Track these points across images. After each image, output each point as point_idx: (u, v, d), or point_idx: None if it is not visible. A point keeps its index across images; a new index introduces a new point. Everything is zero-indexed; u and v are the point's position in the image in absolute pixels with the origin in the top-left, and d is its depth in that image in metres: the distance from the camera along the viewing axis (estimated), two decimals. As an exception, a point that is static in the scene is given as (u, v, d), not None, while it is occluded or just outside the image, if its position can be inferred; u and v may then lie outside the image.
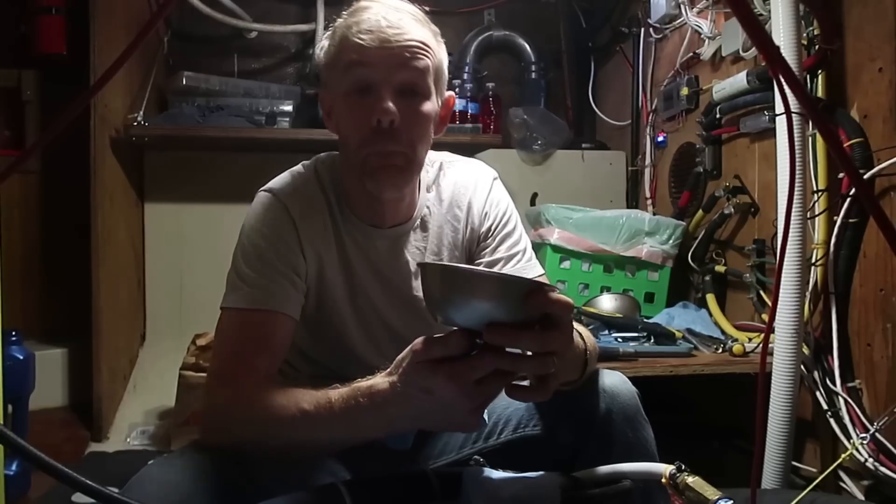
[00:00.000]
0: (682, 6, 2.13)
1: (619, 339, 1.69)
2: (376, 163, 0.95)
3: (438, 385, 0.69)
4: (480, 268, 0.68)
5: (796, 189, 1.42)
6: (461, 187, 1.10)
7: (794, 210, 1.44)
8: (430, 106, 0.97)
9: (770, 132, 1.74)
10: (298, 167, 1.05)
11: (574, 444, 0.94)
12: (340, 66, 0.95)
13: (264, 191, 1.02)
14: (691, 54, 2.14)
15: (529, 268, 1.09)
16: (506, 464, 0.86)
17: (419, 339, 0.71)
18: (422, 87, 0.95)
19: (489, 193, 1.11)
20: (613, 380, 0.95)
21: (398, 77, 0.93)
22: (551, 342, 0.69)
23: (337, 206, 1.02)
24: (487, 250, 1.10)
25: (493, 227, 1.10)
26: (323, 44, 1.01)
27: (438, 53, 0.98)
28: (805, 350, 1.56)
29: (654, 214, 2.27)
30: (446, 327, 0.71)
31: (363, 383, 0.76)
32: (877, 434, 1.42)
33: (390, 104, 0.92)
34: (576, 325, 0.87)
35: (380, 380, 0.75)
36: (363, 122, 0.93)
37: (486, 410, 0.80)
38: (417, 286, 1.07)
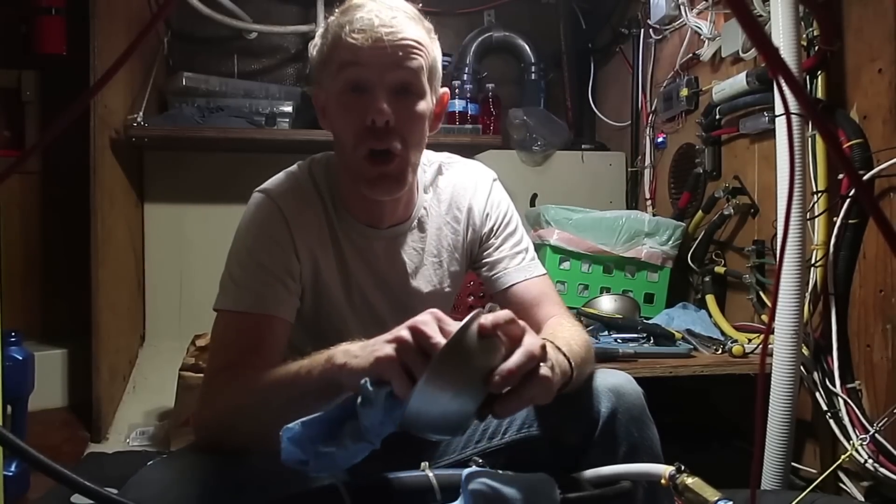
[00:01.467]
0: (681, 7, 2.13)
1: (619, 340, 1.69)
2: (373, 172, 0.95)
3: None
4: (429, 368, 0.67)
5: (796, 190, 1.41)
6: (461, 189, 1.10)
7: (793, 211, 1.44)
8: (425, 105, 0.97)
9: (770, 133, 1.74)
10: (293, 167, 1.05)
11: (579, 443, 0.93)
12: (334, 66, 0.95)
13: (258, 191, 1.01)
14: (691, 55, 2.14)
15: (533, 267, 1.09)
16: (510, 464, 0.86)
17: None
18: (416, 86, 0.95)
19: (489, 194, 1.11)
20: (619, 379, 0.95)
21: (392, 77, 0.93)
22: (530, 348, 0.70)
23: (332, 206, 1.02)
24: (490, 250, 1.10)
25: (495, 228, 1.10)
26: (315, 42, 1.00)
27: (432, 51, 0.98)
28: (805, 351, 1.56)
29: (654, 215, 2.27)
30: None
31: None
32: (876, 435, 1.42)
33: (384, 104, 0.92)
34: (557, 330, 0.90)
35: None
36: (357, 120, 0.93)
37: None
38: (413, 286, 1.07)
